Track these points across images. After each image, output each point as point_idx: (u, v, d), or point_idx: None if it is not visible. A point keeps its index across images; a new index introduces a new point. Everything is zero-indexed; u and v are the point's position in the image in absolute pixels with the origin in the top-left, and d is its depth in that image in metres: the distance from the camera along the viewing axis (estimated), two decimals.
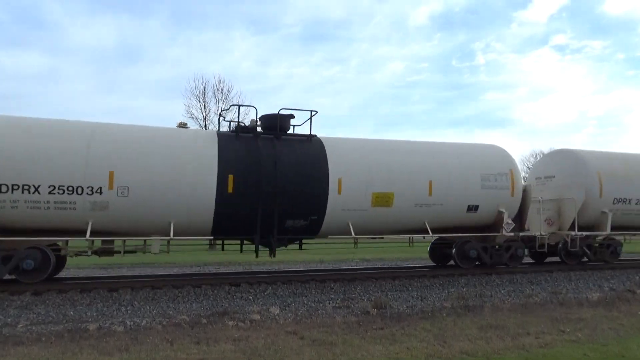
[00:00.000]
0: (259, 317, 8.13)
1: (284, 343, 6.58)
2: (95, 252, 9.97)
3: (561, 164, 14.92)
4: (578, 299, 10.20)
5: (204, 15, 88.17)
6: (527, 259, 14.79)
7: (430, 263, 14.69)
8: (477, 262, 12.78)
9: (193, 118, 33.15)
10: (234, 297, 9.70)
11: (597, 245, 14.42)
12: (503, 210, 12.26)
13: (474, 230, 12.50)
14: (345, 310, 8.80)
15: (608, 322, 8.09)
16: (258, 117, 11.34)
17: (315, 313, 8.59)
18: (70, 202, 9.23)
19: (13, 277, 9.52)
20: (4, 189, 8.89)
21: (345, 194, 10.91)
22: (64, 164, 9.21)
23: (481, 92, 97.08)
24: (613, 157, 15.00)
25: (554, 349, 6.45)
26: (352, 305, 9.15)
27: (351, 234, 11.00)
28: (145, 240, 10.32)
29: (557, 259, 14.71)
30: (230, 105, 22.62)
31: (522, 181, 13.12)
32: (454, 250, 12.57)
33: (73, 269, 15.04)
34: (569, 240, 13.71)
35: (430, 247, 14.21)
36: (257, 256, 10.99)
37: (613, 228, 14.14)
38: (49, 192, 9.08)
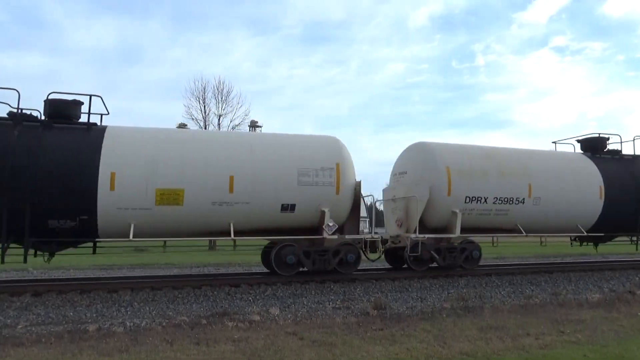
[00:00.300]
0: (258, 318, 8.13)
1: (284, 344, 6.58)
2: None
3: (413, 158, 13.31)
4: (578, 300, 10.21)
5: (205, 16, 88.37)
6: (381, 264, 13.83)
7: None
8: (300, 269, 11.35)
9: (193, 119, 33.22)
10: (234, 298, 9.71)
11: (447, 249, 12.45)
12: (325, 209, 10.76)
13: (297, 233, 11.03)
14: (345, 311, 8.80)
15: (608, 323, 8.09)
16: (45, 102, 10.11)
17: (315, 314, 8.59)
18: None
19: None
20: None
21: (120, 190, 9.50)
22: None
23: (481, 93, 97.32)
24: (472, 151, 13.19)
25: (554, 350, 6.45)
26: (352, 306, 9.15)
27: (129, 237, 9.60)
28: None
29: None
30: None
31: (355, 177, 11.52)
32: (272, 256, 11.06)
33: (73, 269, 15.07)
34: (409, 243, 11.97)
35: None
36: (2, 262, 9.32)
37: (471, 230, 12.61)
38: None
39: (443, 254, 12.38)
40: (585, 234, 13.97)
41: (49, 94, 10.02)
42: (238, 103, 35.32)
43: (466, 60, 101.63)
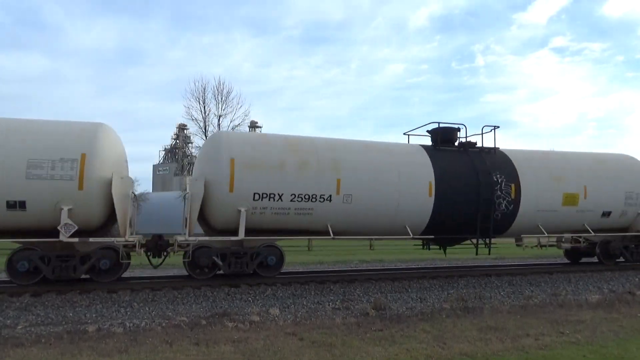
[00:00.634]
0: (258, 318, 8.13)
1: (284, 344, 6.58)
2: None
3: (204, 151, 12.05)
4: (577, 300, 10.21)
5: (205, 18, 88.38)
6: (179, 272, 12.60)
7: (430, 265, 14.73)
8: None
9: (193, 119, 33.32)
10: (234, 298, 9.70)
11: (234, 254, 10.63)
12: (65, 208, 9.18)
13: (33, 235, 9.56)
14: (345, 312, 8.81)
15: (608, 324, 8.09)
16: None
17: (315, 314, 8.60)
18: None
19: None
20: None
21: None
22: None
23: (481, 94, 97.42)
24: (273, 141, 11.25)
25: (554, 351, 6.46)
26: (351, 307, 9.15)
27: None
28: None
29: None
30: None
31: (116, 170, 9.87)
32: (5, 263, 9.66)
33: None
34: (191, 248, 10.31)
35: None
36: None
37: (272, 232, 10.91)
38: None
39: (228, 260, 10.55)
40: (412, 236, 11.76)
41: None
42: (238, 104, 35.50)
43: (466, 61, 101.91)
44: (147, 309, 8.78)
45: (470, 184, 12.22)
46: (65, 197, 9.26)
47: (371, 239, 11.75)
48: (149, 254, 10.56)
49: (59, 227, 9.17)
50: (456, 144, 13.27)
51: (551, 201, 13.16)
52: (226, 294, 9.95)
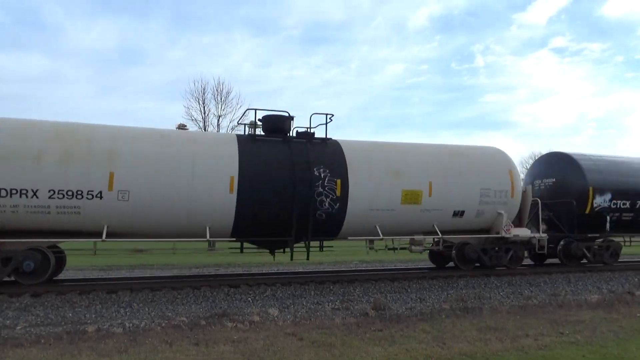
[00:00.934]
0: (258, 318, 8.12)
1: (283, 344, 6.58)
2: None
3: None
4: (577, 300, 10.20)
5: (205, 18, 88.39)
6: None
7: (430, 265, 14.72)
8: None
9: (193, 120, 33.28)
10: (233, 298, 9.70)
11: None
12: None
13: None
14: (345, 312, 8.80)
15: (607, 324, 8.09)
16: None
17: (315, 314, 8.59)
18: None
19: None
20: None
21: None
22: None
23: (481, 94, 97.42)
24: (24, 126, 9.60)
25: (553, 351, 6.45)
26: (351, 307, 9.14)
27: None
28: None
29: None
30: None
31: None
32: None
33: (72, 270, 15.04)
34: None
35: None
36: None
37: (31, 233, 9.48)
38: None
39: None
40: (209, 238, 10.26)
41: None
42: (237, 104, 35.44)
43: (466, 61, 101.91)
44: (146, 309, 8.77)
45: (284, 179, 10.57)
46: None
47: (160, 241, 10.24)
48: None
49: None
50: (294, 134, 11.62)
51: (388, 199, 11.34)
52: (226, 294, 9.95)
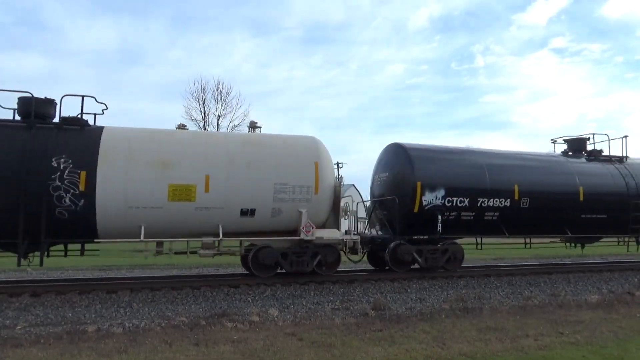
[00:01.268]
0: (257, 318, 8.12)
1: (283, 345, 6.58)
2: None
3: None
4: (577, 301, 10.20)
5: (205, 18, 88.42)
6: None
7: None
8: None
9: (192, 120, 33.32)
10: (233, 298, 9.70)
11: None
12: None
13: None
14: (344, 312, 8.80)
15: (607, 324, 8.09)
16: None
17: (314, 315, 8.59)
18: None
19: None
20: None
21: None
22: None
23: (480, 95, 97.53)
24: None
25: (553, 351, 6.45)
26: (351, 307, 9.14)
27: None
28: None
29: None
30: None
31: None
32: None
33: (72, 270, 15.03)
34: None
35: None
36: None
37: None
38: None
39: None
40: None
41: None
42: (237, 104, 35.54)
43: (465, 61, 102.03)
44: (146, 309, 8.77)
45: (11, 170, 9.11)
46: None
47: None
48: None
49: None
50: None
51: (152, 195, 9.74)
52: (225, 294, 9.95)
